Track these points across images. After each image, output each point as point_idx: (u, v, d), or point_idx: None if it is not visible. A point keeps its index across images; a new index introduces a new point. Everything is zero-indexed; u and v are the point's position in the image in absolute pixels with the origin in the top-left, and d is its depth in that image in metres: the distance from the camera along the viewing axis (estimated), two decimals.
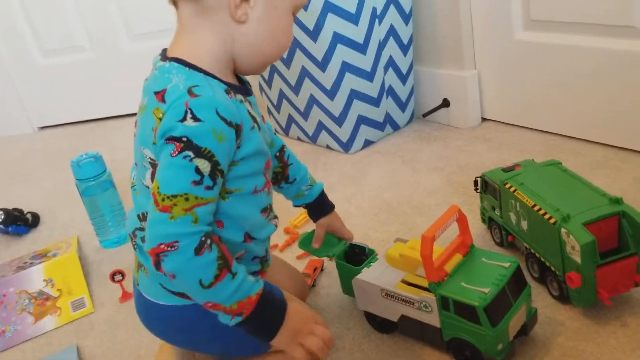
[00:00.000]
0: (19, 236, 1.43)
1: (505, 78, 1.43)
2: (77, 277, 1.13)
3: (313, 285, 1.01)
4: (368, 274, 0.85)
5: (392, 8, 1.44)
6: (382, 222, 1.16)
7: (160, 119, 0.61)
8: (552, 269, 0.84)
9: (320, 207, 0.93)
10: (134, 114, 0.70)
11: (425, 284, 0.78)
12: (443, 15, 1.46)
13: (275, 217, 0.77)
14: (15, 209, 1.46)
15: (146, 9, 1.98)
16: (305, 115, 1.56)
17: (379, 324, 0.87)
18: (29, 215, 1.45)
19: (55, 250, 1.23)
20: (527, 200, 0.87)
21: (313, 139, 1.60)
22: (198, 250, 0.60)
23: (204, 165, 0.60)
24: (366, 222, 1.17)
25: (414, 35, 1.53)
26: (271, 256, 0.82)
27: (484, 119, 1.52)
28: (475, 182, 1.04)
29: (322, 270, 1.04)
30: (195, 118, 0.59)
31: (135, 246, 0.73)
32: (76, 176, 1.24)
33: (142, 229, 0.70)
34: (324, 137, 1.55)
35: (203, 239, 0.61)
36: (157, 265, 0.61)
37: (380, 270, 0.85)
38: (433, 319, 0.77)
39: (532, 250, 0.89)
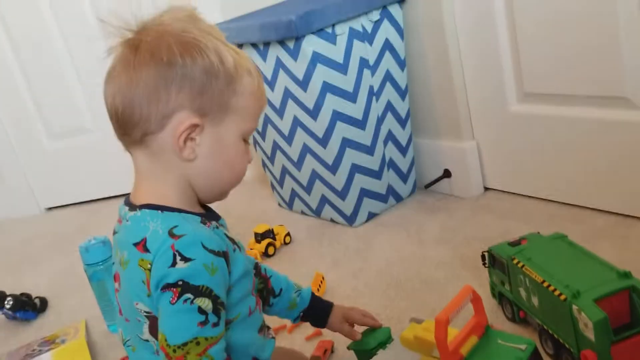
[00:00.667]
0: (27, 322, 1.42)
1: (504, 148, 1.46)
2: None
3: None
4: (383, 357, 0.84)
5: (388, 85, 1.49)
6: (391, 299, 1.16)
7: (150, 270, 0.60)
8: (567, 346, 0.84)
9: (319, 308, 0.90)
10: None
11: None
12: (438, 89, 1.51)
13: (269, 328, 0.77)
14: (23, 294, 1.45)
15: None
16: (308, 189, 1.59)
17: None
18: (37, 300, 1.45)
19: (64, 336, 1.23)
20: (536, 277, 0.87)
21: (317, 212, 1.61)
22: None
23: (206, 304, 0.59)
24: (375, 300, 1.16)
25: (412, 109, 1.58)
26: (275, 345, 0.82)
27: (486, 188, 1.55)
28: (483, 257, 1.04)
29: (332, 352, 1.03)
30: (185, 259, 0.59)
31: None
32: (85, 261, 1.25)
33: None
34: (327, 210, 1.57)
35: None
36: None
37: (395, 352, 0.84)
38: None
39: (545, 327, 0.89)
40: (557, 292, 0.83)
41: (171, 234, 0.60)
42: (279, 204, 1.77)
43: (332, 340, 1.04)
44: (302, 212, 1.67)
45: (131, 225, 0.64)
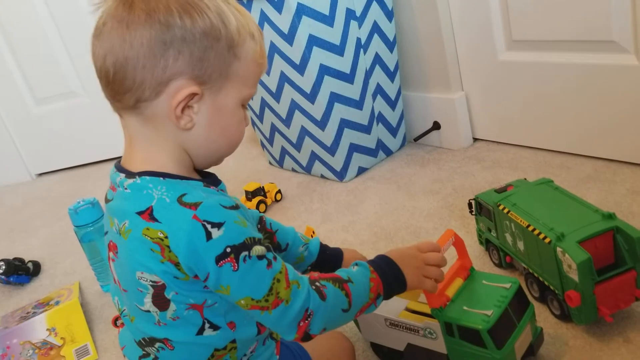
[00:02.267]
0: (21, 286, 1.43)
1: (493, 98, 1.45)
2: (80, 324, 1.13)
3: None
4: None
5: (376, 37, 1.47)
6: (381, 250, 1.15)
7: (165, 238, 0.57)
8: (552, 288, 0.85)
9: (328, 261, 0.87)
10: None
11: (428, 310, 0.78)
12: (427, 40, 1.48)
13: None
14: (16, 259, 1.46)
15: None
16: (297, 146, 1.58)
17: (386, 354, 0.87)
18: (30, 265, 1.46)
19: (57, 297, 1.23)
20: (521, 221, 0.88)
21: (307, 169, 1.61)
22: (322, 298, 0.62)
23: (259, 250, 0.59)
24: (365, 251, 1.17)
25: (400, 62, 1.56)
26: None
27: (475, 139, 1.54)
28: (470, 205, 1.05)
29: None
30: (216, 225, 0.57)
31: None
32: (74, 223, 1.25)
33: (146, 355, 0.67)
34: (317, 167, 1.56)
35: (314, 287, 0.62)
36: (307, 338, 0.62)
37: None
38: (439, 345, 0.78)
39: (531, 270, 0.90)
40: (542, 236, 0.83)
41: (182, 203, 0.58)
42: (270, 162, 1.76)
43: None
44: (293, 170, 1.67)
45: (132, 194, 0.61)
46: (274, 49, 1.42)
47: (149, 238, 0.58)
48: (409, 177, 1.45)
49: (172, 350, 0.64)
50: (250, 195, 1.46)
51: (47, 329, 1.11)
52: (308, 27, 1.34)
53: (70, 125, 2.16)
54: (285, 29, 1.35)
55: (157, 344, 0.65)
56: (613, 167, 1.23)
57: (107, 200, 0.66)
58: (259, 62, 0.63)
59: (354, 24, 1.42)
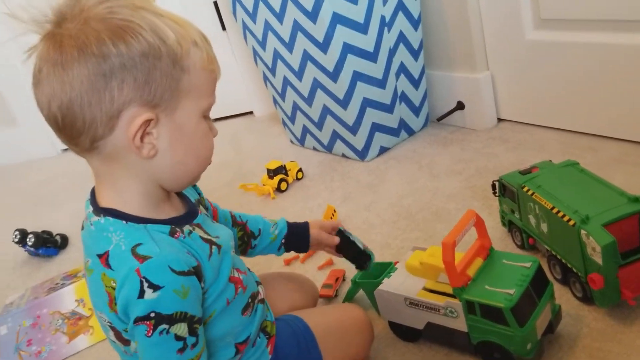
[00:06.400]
0: (49, 258, 1.46)
1: (519, 78, 1.43)
2: None
3: (335, 295, 1.02)
4: (389, 284, 0.86)
5: (400, 15, 1.45)
6: (402, 230, 1.17)
7: (114, 289, 0.56)
8: (574, 270, 0.85)
9: (297, 231, 0.88)
10: None
11: (447, 289, 0.79)
12: (452, 18, 1.46)
13: (258, 289, 0.74)
14: (44, 232, 1.50)
15: None
16: (319, 125, 1.58)
17: (404, 333, 0.88)
18: (58, 237, 1.49)
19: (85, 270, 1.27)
20: (545, 203, 0.87)
21: (328, 148, 1.61)
22: None
23: (182, 329, 0.57)
24: (386, 231, 1.18)
25: (425, 40, 1.54)
26: (277, 272, 0.83)
27: (499, 120, 1.53)
28: (494, 186, 1.04)
29: (344, 279, 1.06)
30: (153, 286, 0.54)
31: None
32: None
33: None
34: (339, 146, 1.56)
35: None
36: None
37: (401, 279, 0.86)
38: (460, 323, 0.78)
39: (554, 252, 0.89)
40: (566, 218, 0.83)
41: (135, 254, 0.56)
42: (291, 141, 1.77)
43: (344, 269, 1.06)
44: (314, 148, 1.67)
45: (95, 233, 0.59)
46: (297, 27, 1.41)
47: (104, 285, 0.57)
48: (432, 157, 1.44)
49: None
50: (271, 173, 1.47)
51: (76, 300, 1.14)
52: (332, 5, 1.33)
53: None
54: (309, 6, 1.35)
55: None
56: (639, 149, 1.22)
57: (82, 228, 0.64)
58: (209, 68, 0.60)
59: (378, 1, 1.40)
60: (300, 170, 1.52)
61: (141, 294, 0.54)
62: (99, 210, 0.60)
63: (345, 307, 0.88)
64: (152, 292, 0.54)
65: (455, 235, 0.75)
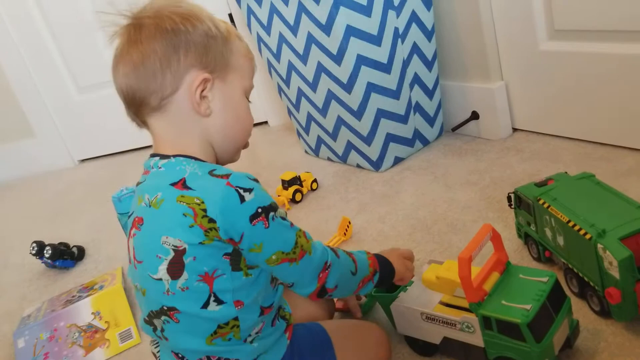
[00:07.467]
0: (66, 270, 1.48)
1: (534, 88, 1.42)
2: (123, 308, 1.17)
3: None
4: (406, 298, 0.86)
5: (414, 26, 1.46)
6: (417, 242, 1.17)
7: (199, 204, 0.64)
8: (592, 284, 0.84)
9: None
10: None
11: (463, 304, 0.79)
12: (466, 29, 1.46)
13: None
14: (61, 243, 1.51)
15: None
16: (334, 136, 1.58)
17: (421, 348, 0.87)
18: (74, 249, 1.51)
19: (101, 282, 1.28)
20: (561, 216, 0.87)
21: (343, 158, 1.62)
22: (336, 256, 0.74)
23: (282, 212, 0.69)
24: (402, 243, 1.18)
25: (438, 51, 1.54)
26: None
27: (514, 129, 1.52)
28: (509, 198, 1.04)
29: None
30: (247, 190, 0.65)
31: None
32: (118, 210, 1.28)
33: (154, 329, 0.71)
34: (353, 156, 1.57)
35: (329, 247, 0.74)
36: (323, 292, 0.73)
37: (417, 293, 0.86)
38: (476, 339, 0.78)
39: (570, 266, 0.89)
40: (582, 232, 0.82)
41: (213, 174, 0.66)
42: (305, 151, 1.78)
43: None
44: (329, 159, 1.68)
45: (165, 171, 0.68)
46: (311, 39, 1.42)
47: (184, 203, 0.64)
48: (446, 168, 1.44)
49: (177, 323, 0.67)
50: (286, 184, 1.48)
51: (92, 313, 1.16)
52: (345, 17, 1.34)
53: (112, 112, 2.19)
54: (322, 19, 1.36)
55: (163, 317, 0.68)
56: None
57: (138, 184, 0.73)
58: (249, 57, 0.76)
59: (391, 13, 1.41)
60: (314, 181, 1.52)
61: (242, 199, 0.64)
62: (169, 156, 0.69)
63: (364, 322, 0.89)
64: (249, 194, 0.65)
65: (471, 249, 0.75)
